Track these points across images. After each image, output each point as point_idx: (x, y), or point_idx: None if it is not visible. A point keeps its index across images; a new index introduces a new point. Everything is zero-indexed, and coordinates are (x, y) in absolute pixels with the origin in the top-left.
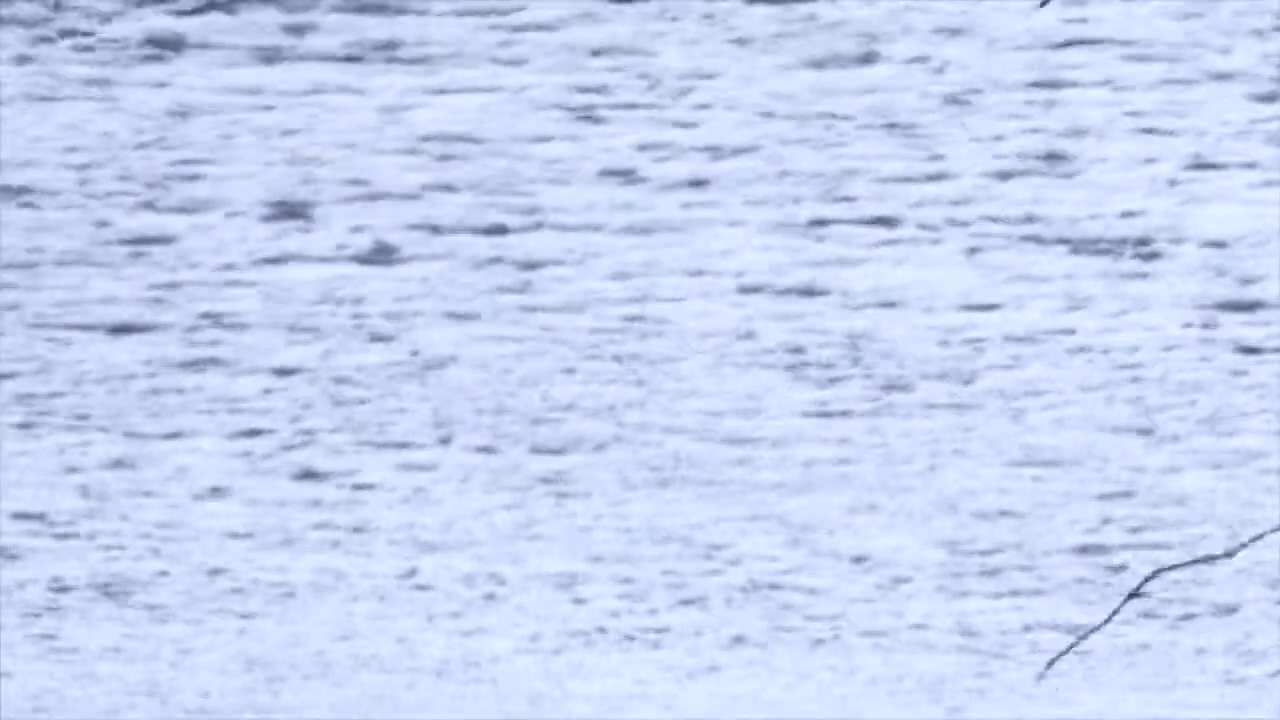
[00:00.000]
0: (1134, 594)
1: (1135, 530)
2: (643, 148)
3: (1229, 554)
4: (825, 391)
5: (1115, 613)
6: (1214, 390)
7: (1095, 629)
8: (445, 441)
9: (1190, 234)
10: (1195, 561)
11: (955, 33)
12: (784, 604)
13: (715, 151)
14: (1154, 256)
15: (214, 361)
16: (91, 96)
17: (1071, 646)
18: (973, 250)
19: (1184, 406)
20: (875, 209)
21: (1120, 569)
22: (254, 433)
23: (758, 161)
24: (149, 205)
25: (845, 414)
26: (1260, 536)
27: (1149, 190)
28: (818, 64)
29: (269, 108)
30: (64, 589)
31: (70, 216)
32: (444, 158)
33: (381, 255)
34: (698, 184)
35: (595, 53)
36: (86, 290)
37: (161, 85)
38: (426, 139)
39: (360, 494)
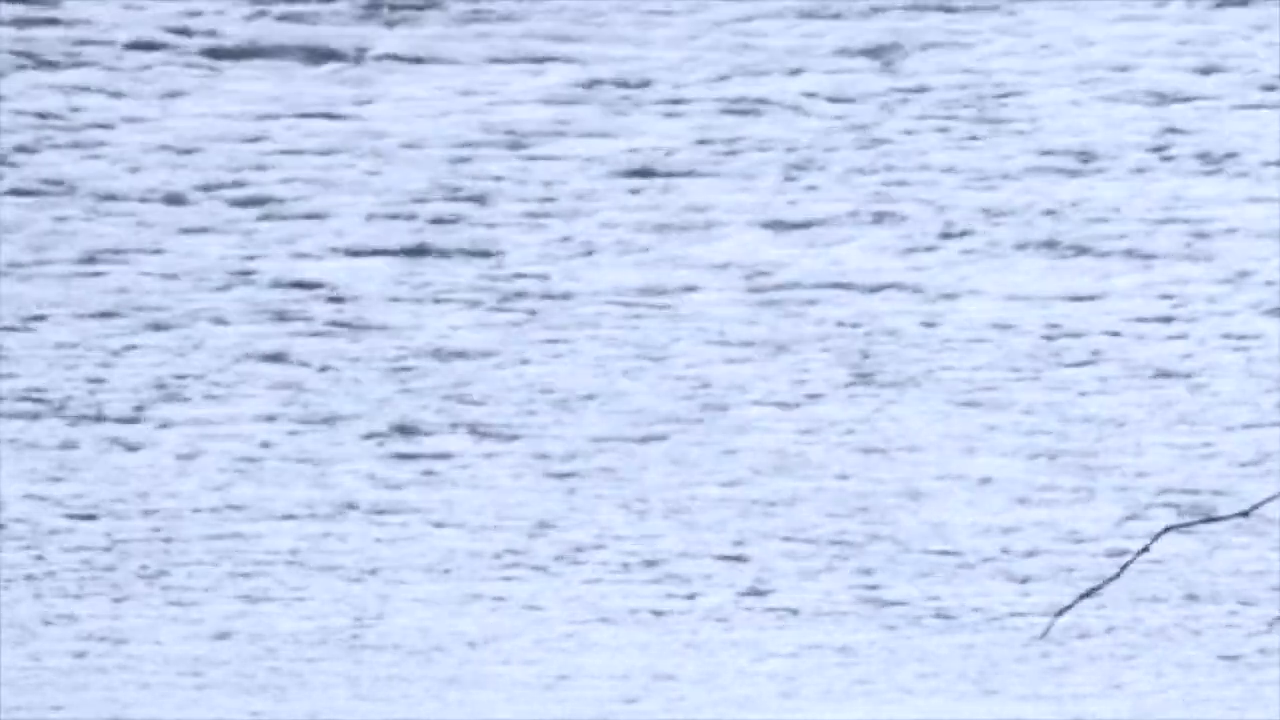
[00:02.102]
0: (1143, 550)
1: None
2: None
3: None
4: (879, 377)
5: (1123, 569)
6: None
7: (1098, 588)
8: (472, 427)
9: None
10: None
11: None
12: (825, 583)
13: (766, 141)
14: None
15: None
16: None
17: (1078, 600)
18: (1029, 247)
19: None
20: (929, 206)
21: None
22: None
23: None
24: None
25: (896, 402)
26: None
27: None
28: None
29: None
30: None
31: None
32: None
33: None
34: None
35: None
36: None
37: None
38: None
39: (388, 475)
